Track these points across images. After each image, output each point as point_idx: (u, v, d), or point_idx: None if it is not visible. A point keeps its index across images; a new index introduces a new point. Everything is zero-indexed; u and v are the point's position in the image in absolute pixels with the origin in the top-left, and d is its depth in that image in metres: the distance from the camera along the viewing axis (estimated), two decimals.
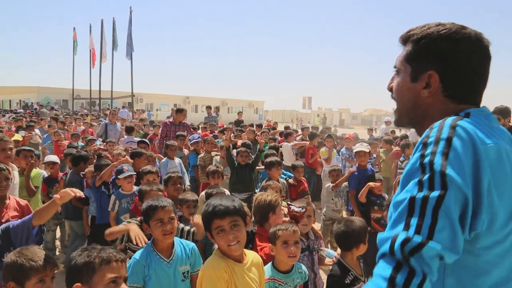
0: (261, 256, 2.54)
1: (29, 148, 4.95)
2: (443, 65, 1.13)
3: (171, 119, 8.46)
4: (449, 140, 0.95)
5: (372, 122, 47.26)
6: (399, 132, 10.87)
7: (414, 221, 0.89)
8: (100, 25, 23.10)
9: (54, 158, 4.87)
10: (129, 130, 8.49)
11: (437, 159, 0.93)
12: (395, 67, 1.26)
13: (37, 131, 9.69)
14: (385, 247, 0.91)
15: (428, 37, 1.15)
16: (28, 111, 23.29)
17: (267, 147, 7.35)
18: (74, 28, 27.12)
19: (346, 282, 2.50)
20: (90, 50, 24.60)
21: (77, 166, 4.92)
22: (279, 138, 9.59)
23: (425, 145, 0.98)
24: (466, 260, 0.99)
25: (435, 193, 0.90)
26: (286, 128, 10.87)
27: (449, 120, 1.00)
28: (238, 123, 13.90)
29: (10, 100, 37.66)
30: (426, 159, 0.95)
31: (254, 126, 11.62)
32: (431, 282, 0.87)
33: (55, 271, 1.96)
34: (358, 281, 2.54)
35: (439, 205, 0.89)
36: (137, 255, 2.38)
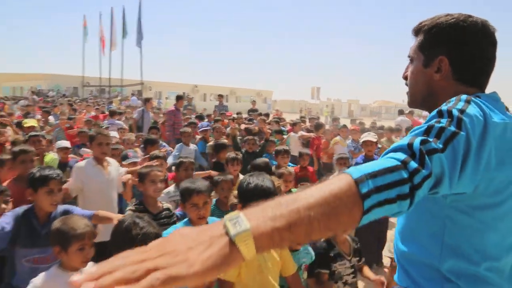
0: None
1: (36, 133, 5.05)
2: (452, 50, 1.24)
3: (173, 106, 9.12)
4: (464, 108, 1.03)
5: (381, 113, 46.93)
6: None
7: (429, 138, 0.94)
8: (110, 13, 23.18)
9: (66, 143, 5.01)
10: (112, 114, 9.52)
11: (455, 111, 1.00)
12: (409, 56, 1.37)
13: (51, 117, 9.89)
14: (402, 143, 0.93)
15: (438, 26, 1.26)
16: (40, 98, 23.58)
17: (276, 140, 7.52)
18: (84, 16, 27.26)
19: (330, 255, 2.65)
20: (100, 38, 24.73)
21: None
22: (288, 127, 9.65)
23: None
24: (462, 219, 1.10)
25: (452, 128, 0.96)
26: (302, 118, 10.95)
27: (464, 96, 1.09)
28: (252, 112, 13.80)
29: (21, 87, 37.97)
30: (444, 108, 1.03)
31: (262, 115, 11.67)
32: (427, 186, 0.89)
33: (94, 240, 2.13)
34: (342, 258, 2.67)
35: (451, 139, 0.94)
36: (170, 230, 2.50)
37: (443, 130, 0.96)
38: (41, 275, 2.04)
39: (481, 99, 1.12)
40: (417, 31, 1.33)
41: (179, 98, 9.20)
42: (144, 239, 1.72)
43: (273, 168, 4.79)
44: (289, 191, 4.22)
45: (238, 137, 7.20)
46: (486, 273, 1.12)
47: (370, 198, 0.79)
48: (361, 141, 5.57)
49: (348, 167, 4.41)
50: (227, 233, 0.70)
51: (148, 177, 3.17)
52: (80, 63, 28.53)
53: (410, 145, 0.91)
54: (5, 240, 2.42)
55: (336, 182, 0.80)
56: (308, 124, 10.09)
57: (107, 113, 12.36)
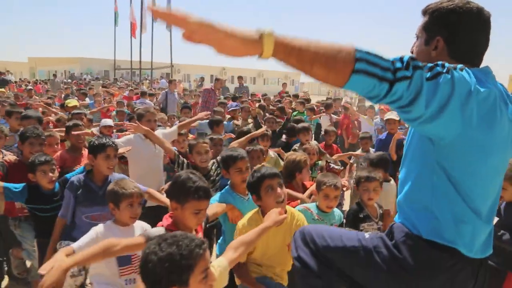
0: None
1: (78, 111, 5.70)
2: (448, 32, 1.45)
3: (210, 87, 9.58)
4: (457, 68, 1.25)
5: None
6: None
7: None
8: None
9: (110, 122, 5.47)
10: (143, 94, 10.25)
11: (447, 65, 1.23)
12: (416, 35, 1.58)
13: (87, 99, 10.42)
14: (396, 56, 1.17)
15: (439, 10, 1.47)
16: (74, 81, 24.50)
17: (305, 116, 7.75)
18: (115, 1, 27.79)
19: (360, 216, 2.93)
20: (131, 22, 25.20)
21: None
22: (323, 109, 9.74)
23: None
24: (447, 166, 1.35)
25: (441, 69, 1.20)
26: (328, 99, 11.17)
27: (460, 65, 1.30)
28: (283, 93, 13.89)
29: (56, 71, 39.16)
30: (441, 62, 1.24)
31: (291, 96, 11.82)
32: (406, 88, 1.14)
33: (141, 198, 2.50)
34: (370, 219, 2.94)
35: (438, 75, 1.18)
36: (216, 196, 2.80)
37: (435, 68, 1.20)
38: (100, 225, 2.42)
39: (473, 71, 1.32)
40: (424, 12, 1.54)
41: (217, 79, 9.73)
42: (197, 191, 2.02)
43: (297, 146, 4.99)
44: (315, 164, 4.45)
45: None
46: (464, 211, 1.37)
47: (361, 64, 1.10)
48: (384, 118, 5.70)
49: (372, 146, 4.63)
50: (258, 33, 1.06)
51: (195, 149, 3.53)
52: (112, 46, 29.40)
53: (401, 57, 1.17)
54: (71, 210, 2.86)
55: (343, 43, 1.11)
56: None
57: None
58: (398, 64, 1.13)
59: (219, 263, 1.80)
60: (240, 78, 13.53)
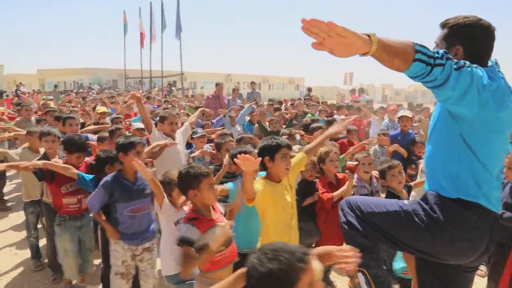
0: (321, 199, 3.51)
1: (118, 115, 6.27)
2: (466, 42, 1.87)
3: (211, 93, 10.00)
4: (474, 66, 1.67)
5: (416, 98, 46.01)
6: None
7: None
8: (149, 8, 24.16)
9: (141, 125, 5.86)
10: (148, 98, 12.27)
11: (468, 63, 1.65)
12: (435, 42, 2.00)
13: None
14: (434, 50, 1.60)
15: (458, 25, 1.89)
16: (85, 91, 25.04)
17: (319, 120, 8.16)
18: (124, 12, 28.44)
19: None
20: (141, 33, 25.73)
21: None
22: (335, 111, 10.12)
23: None
24: (468, 137, 1.78)
25: (464, 64, 1.62)
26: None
27: (475, 65, 1.71)
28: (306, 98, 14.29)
29: (64, 82, 39.64)
30: (463, 61, 1.66)
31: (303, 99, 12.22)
32: (440, 72, 1.56)
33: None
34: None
35: (462, 66, 1.61)
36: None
37: (459, 62, 1.62)
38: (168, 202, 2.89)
39: (485, 70, 1.74)
40: (443, 25, 1.96)
41: (216, 85, 10.01)
42: (202, 171, 2.43)
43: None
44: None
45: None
46: (482, 173, 1.80)
47: (418, 54, 1.51)
48: (398, 115, 6.04)
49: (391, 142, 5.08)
50: (368, 36, 1.43)
51: (224, 146, 3.86)
52: (121, 56, 30.10)
53: (438, 51, 1.59)
54: (102, 201, 3.12)
55: (407, 40, 1.53)
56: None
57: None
58: (437, 55, 1.56)
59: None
60: (253, 83, 13.98)
